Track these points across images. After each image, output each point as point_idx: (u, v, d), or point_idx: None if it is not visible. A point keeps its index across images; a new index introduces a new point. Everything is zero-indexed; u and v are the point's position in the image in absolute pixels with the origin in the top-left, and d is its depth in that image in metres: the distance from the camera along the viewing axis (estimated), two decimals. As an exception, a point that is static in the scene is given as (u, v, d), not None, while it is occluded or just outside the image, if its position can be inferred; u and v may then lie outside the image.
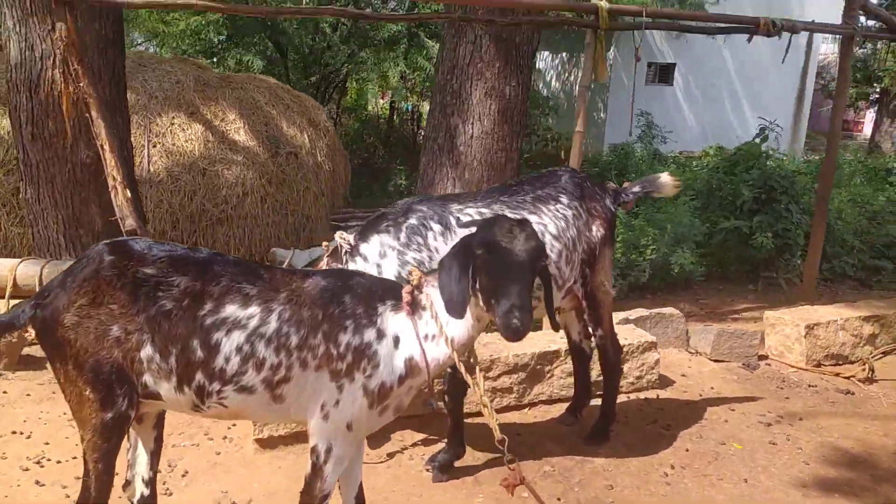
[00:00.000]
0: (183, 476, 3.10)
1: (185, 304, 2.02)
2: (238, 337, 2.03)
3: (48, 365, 2.42)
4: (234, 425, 3.52)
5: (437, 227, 2.89)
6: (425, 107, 20.34)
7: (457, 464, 3.20)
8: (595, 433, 3.47)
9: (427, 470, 3.17)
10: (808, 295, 6.12)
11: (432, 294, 2.09)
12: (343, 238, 2.94)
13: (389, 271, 2.85)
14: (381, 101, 18.60)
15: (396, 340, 2.10)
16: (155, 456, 2.35)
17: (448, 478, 3.14)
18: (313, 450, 2.14)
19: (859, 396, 4.08)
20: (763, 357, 4.52)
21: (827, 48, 20.95)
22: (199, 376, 2.04)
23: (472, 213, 2.95)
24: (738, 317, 5.91)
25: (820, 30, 5.78)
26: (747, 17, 5.34)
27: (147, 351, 2.02)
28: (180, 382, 2.05)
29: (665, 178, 3.31)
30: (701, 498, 3.07)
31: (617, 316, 4.17)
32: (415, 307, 2.11)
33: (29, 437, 3.33)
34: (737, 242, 6.65)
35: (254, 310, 2.05)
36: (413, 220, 2.89)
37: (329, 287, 2.12)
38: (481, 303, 2.02)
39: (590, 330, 3.37)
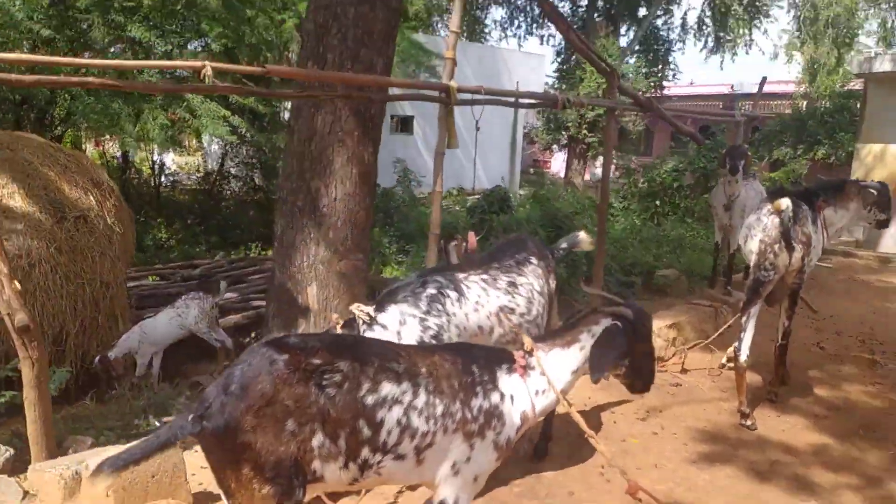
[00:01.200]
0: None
1: (347, 387, 2.17)
2: (397, 411, 2.25)
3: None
4: None
5: (453, 295, 3.30)
6: (168, 159, 19.24)
7: None
8: (539, 451, 4.10)
9: None
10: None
11: (542, 357, 2.58)
12: (362, 311, 3.17)
13: (410, 337, 3.16)
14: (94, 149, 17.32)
15: (512, 398, 2.50)
16: None
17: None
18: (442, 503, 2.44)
19: (685, 387, 5.37)
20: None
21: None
22: (365, 451, 2.21)
23: (476, 279, 3.43)
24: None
25: (595, 103, 7.27)
26: (551, 94, 6.61)
27: (318, 438, 2.12)
28: (347, 461, 2.19)
29: (583, 235, 4.15)
30: (637, 486, 3.88)
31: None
32: (526, 368, 2.55)
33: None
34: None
35: (406, 385, 2.29)
36: (432, 290, 3.26)
37: (458, 359, 2.46)
38: (619, 371, 2.70)
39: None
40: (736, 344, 4.73)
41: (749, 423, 4.62)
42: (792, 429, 4.71)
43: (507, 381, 2.51)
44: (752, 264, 4.77)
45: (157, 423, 5.18)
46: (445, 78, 5.75)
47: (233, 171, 16.39)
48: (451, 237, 5.93)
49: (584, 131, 22.02)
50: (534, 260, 3.69)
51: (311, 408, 2.10)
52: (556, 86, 23.24)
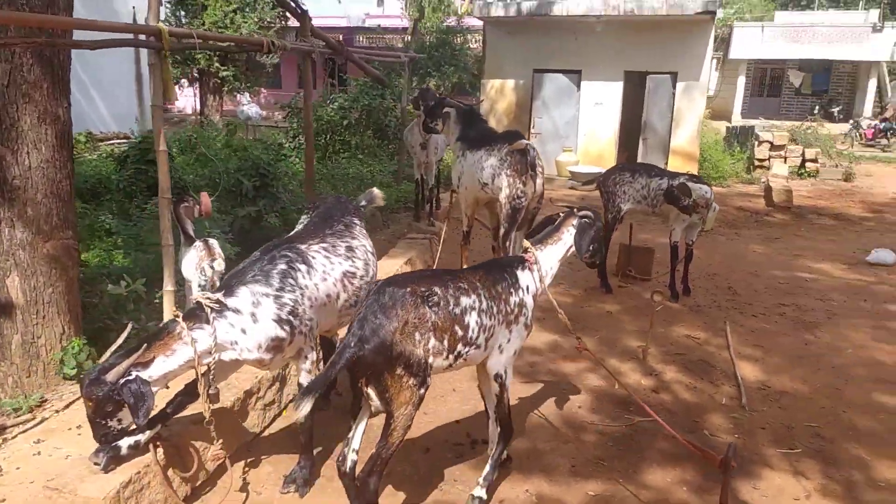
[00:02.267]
0: None
1: (443, 304, 2.96)
2: (474, 315, 3.06)
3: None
4: None
5: (303, 268, 3.13)
6: None
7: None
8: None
9: (288, 492, 3.37)
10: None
11: (539, 254, 3.42)
12: (209, 299, 2.82)
13: (266, 316, 2.96)
14: None
15: (527, 288, 3.32)
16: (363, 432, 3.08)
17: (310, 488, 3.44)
18: (496, 376, 3.29)
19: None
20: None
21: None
22: (459, 347, 3.04)
23: (318, 248, 3.28)
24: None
25: (296, 46, 7.09)
26: (257, 38, 6.25)
27: (433, 342, 2.93)
28: (448, 354, 3.01)
29: (377, 192, 4.22)
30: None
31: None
32: (534, 264, 3.37)
33: None
34: (251, 225, 7.57)
35: (474, 297, 3.08)
36: (282, 265, 3.06)
37: (497, 272, 3.28)
38: (586, 254, 3.58)
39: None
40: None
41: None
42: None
43: (523, 277, 3.33)
44: (504, 197, 5.53)
45: None
46: (152, 18, 5.05)
47: None
48: (181, 199, 5.39)
49: (217, 65, 20.89)
50: (357, 221, 3.71)
51: (427, 322, 2.90)
52: (175, 12, 21.32)
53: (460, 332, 3.00)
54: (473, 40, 28.60)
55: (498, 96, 14.03)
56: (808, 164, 14.78)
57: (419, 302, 2.87)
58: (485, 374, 3.35)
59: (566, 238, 3.50)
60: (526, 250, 3.43)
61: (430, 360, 2.91)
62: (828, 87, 29.86)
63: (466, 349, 3.05)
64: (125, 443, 2.97)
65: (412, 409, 2.88)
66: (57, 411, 4.56)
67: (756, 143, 15.05)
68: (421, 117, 7.86)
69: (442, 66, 24.25)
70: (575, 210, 3.59)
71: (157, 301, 6.15)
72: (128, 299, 5.69)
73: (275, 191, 7.83)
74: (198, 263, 4.95)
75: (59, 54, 4.81)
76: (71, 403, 4.66)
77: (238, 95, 21.66)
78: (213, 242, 5.10)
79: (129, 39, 5.08)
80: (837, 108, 28.11)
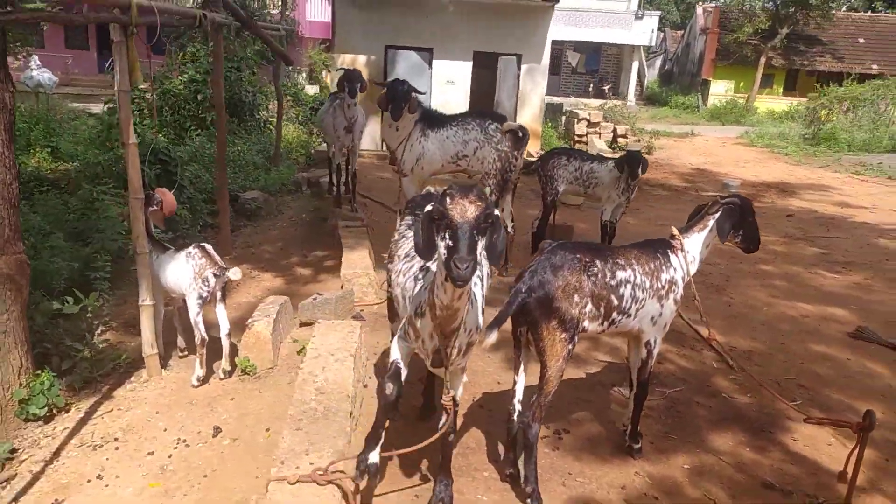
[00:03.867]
0: None
1: (601, 275, 3.38)
2: (629, 288, 3.48)
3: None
4: None
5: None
6: None
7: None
8: (425, 409, 4.07)
9: (436, 515, 3.21)
10: (227, 248, 7.11)
11: (686, 240, 3.74)
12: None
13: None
14: None
15: (676, 270, 3.68)
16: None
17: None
18: (646, 343, 3.72)
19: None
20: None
21: None
22: (613, 314, 3.46)
23: None
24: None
25: (222, 21, 6.29)
26: (191, 11, 5.51)
27: (589, 307, 3.36)
28: (603, 320, 3.44)
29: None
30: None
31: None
32: (681, 249, 3.71)
33: None
34: (158, 222, 6.66)
35: (629, 272, 3.50)
36: None
37: (650, 252, 3.65)
38: (737, 240, 3.84)
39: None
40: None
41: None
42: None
43: (673, 259, 3.69)
44: (493, 171, 6.25)
45: None
46: (119, -14, 4.27)
47: None
48: (149, 199, 4.67)
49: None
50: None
51: (586, 288, 3.33)
52: None
53: (615, 302, 3.42)
54: (273, 5, 27.11)
55: (348, 71, 13.61)
56: (619, 140, 16.59)
57: (582, 268, 3.30)
58: (635, 344, 3.79)
59: (711, 224, 3.76)
60: (673, 236, 3.74)
61: (585, 323, 3.33)
62: (598, 67, 33.44)
63: (620, 317, 3.47)
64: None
65: (562, 361, 3.28)
66: (45, 462, 3.81)
67: (575, 120, 16.49)
68: (345, 100, 7.50)
69: (241, 32, 22.68)
70: (719, 197, 3.85)
71: (89, 316, 5.27)
72: (79, 317, 4.80)
73: (178, 179, 6.96)
74: (198, 273, 4.33)
75: (8, 29, 3.87)
76: (60, 449, 3.92)
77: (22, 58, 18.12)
78: (210, 248, 4.49)
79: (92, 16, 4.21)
80: (608, 86, 31.63)
